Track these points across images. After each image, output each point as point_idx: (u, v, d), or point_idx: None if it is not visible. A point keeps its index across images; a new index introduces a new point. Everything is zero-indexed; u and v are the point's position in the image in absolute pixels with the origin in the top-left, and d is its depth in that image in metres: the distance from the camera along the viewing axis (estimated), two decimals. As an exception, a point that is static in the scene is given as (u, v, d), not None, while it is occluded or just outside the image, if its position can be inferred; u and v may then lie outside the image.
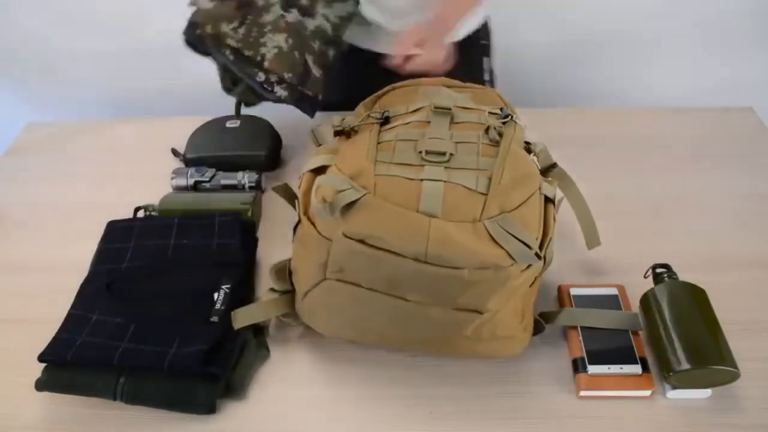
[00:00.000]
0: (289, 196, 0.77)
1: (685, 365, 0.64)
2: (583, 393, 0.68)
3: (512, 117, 0.71)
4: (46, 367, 0.69)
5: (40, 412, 0.69)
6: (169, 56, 1.56)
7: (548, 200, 0.68)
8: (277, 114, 1.11)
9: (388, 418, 0.67)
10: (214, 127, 1.07)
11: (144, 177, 1.03)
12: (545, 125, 1.10)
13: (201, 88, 1.64)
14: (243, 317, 0.71)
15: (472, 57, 1.14)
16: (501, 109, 0.73)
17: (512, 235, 0.59)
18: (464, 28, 1.10)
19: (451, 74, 1.11)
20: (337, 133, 0.74)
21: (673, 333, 0.67)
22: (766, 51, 1.52)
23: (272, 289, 0.74)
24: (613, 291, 0.76)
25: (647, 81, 1.59)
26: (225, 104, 1.53)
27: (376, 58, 0.97)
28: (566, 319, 0.72)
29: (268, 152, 1.01)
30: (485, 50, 1.17)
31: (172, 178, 0.97)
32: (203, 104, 1.66)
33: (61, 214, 0.97)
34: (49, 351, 0.69)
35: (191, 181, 0.96)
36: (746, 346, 0.71)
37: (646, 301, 0.73)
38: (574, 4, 1.44)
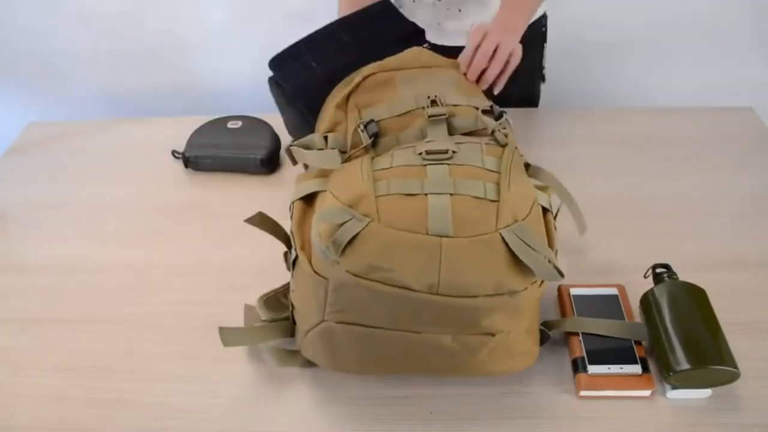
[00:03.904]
0: (269, 227, 0.71)
1: (685, 365, 0.64)
2: (583, 393, 0.68)
3: (505, 115, 0.69)
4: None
5: (40, 412, 0.69)
6: (169, 56, 1.56)
7: (545, 210, 0.65)
8: (278, 116, 1.11)
9: (388, 418, 0.67)
10: (215, 127, 1.07)
11: (144, 177, 1.03)
12: (545, 125, 1.10)
13: (201, 88, 1.64)
14: (231, 338, 0.66)
15: (534, 43, 1.13)
16: (491, 107, 0.70)
17: (531, 248, 0.55)
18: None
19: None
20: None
21: (673, 333, 0.67)
22: (766, 51, 1.52)
23: (263, 320, 0.71)
24: (613, 291, 0.76)
25: (647, 81, 1.59)
26: (225, 104, 1.53)
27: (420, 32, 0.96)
28: (570, 326, 0.71)
29: (267, 153, 1.01)
30: (545, 37, 1.16)
31: None
32: (203, 104, 1.67)
33: (61, 214, 0.97)
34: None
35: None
36: (746, 346, 0.71)
37: (646, 301, 0.73)
38: (573, 4, 1.44)
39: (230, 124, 1.06)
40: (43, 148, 1.12)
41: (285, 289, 0.75)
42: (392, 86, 0.73)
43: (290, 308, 0.69)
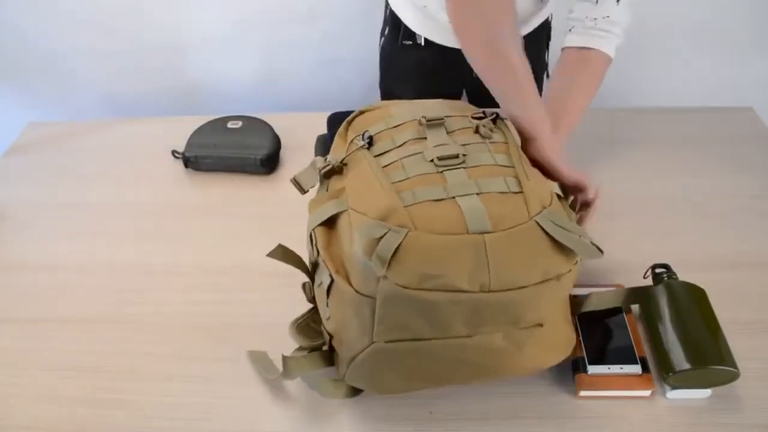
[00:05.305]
0: (290, 258, 0.70)
1: (685, 365, 0.64)
2: (583, 393, 0.68)
3: (499, 115, 0.69)
4: None
5: (39, 412, 0.70)
6: (169, 56, 1.56)
7: (559, 196, 0.66)
8: (278, 115, 1.11)
9: (388, 418, 0.67)
10: (215, 127, 1.07)
11: (144, 177, 1.03)
12: (545, 125, 1.10)
13: (201, 88, 1.64)
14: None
15: (541, 40, 1.13)
16: (483, 112, 0.70)
17: (566, 229, 0.56)
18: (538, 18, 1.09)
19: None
20: (328, 174, 0.68)
21: (673, 333, 0.67)
22: (766, 51, 1.52)
23: (300, 348, 0.70)
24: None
25: (647, 81, 1.59)
26: (225, 104, 1.53)
27: (446, 52, 0.98)
28: (584, 306, 0.72)
29: (267, 153, 1.01)
30: (550, 34, 1.17)
31: None
32: (203, 104, 1.67)
33: (61, 214, 0.97)
34: None
35: None
36: (746, 346, 0.71)
37: (647, 301, 0.73)
38: (573, 5, 1.44)
39: (230, 124, 1.06)
40: (43, 148, 1.12)
41: (313, 314, 0.73)
42: (387, 109, 0.74)
43: (327, 338, 0.67)
